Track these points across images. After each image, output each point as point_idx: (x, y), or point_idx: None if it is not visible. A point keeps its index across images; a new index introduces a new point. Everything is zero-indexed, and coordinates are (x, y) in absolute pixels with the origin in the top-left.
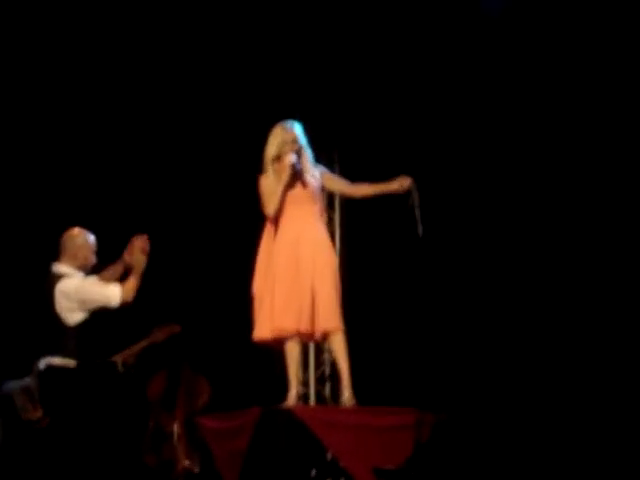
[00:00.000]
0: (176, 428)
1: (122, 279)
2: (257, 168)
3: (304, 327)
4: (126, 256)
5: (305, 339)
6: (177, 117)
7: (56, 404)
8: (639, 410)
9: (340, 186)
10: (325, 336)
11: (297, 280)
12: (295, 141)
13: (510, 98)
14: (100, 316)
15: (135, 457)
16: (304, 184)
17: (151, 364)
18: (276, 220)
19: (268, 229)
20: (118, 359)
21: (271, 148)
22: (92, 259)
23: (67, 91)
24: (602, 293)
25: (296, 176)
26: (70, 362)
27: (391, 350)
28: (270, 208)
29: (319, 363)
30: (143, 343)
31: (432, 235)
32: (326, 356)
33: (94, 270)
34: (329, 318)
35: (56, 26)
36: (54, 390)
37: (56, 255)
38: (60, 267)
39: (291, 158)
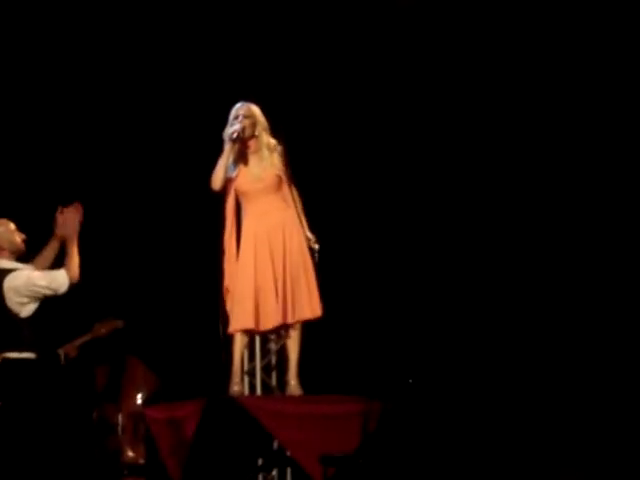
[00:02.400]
0: (121, 419)
1: (59, 258)
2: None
3: (272, 323)
4: (59, 227)
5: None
6: (129, 97)
7: (12, 396)
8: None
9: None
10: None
11: (265, 272)
12: (247, 115)
13: (506, 93)
14: (49, 306)
15: (81, 449)
16: (261, 170)
17: (96, 356)
18: (238, 211)
19: (229, 221)
20: (61, 352)
21: (228, 125)
22: (18, 241)
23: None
24: (592, 286)
25: (248, 155)
26: (28, 354)
27: (337, 338)
28: (214, 181)
29: (265, 352)
30: (85, 337)
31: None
32: (272, 345)
33: (28, 257)
34: (308, 306)
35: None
36: (12, 383)
37: None
38: (0, 262)
39: (234, 127)
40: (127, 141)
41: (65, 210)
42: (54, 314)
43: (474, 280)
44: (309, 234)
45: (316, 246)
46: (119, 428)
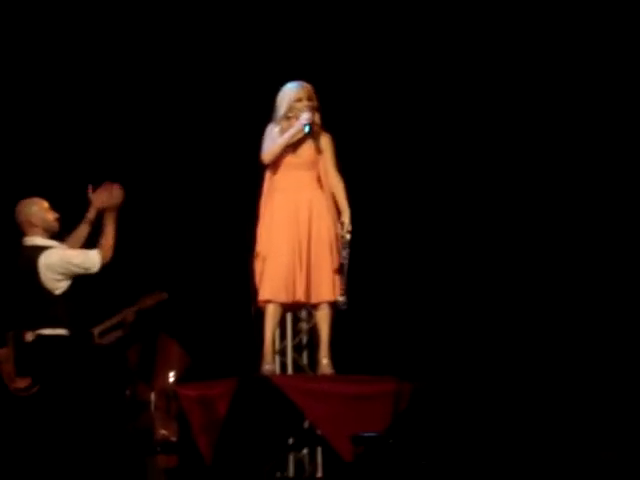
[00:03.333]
0: (153, 397)
1: (90, 240)
2: (242, 130)
3: (298, 296)
4: (97, 202)
5: (294, 308)
6: (164, 81)
7: (47, 373)
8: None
9: (324, 167)
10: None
11: (296, 247)
12: (310, 98)
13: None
14: (83, 284)
15: (114, 426)
16: (306, 146)
17: (128, 334)
18: (275, 183)
19: (268, 189)
20: (96, 330)
21: (283, 104)
22: (52, 217)
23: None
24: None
25: (306, 137)
26: (61, 331)
27: (369, 318)
28: (267, 154)
29: (296, 331)
30: (132, 309)
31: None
32: (303, 324)
33: (60, 235)
34: (329, 288)
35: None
36: (46, 360)
37: (19, 232)
38: (33, 239)
39: (305, 116)
40: (161, 114)
41: (105, 184)
42: (85, 292)
43: (503, 264)
44: (346, 221)
45: (347, 236)
46: (152, 406)
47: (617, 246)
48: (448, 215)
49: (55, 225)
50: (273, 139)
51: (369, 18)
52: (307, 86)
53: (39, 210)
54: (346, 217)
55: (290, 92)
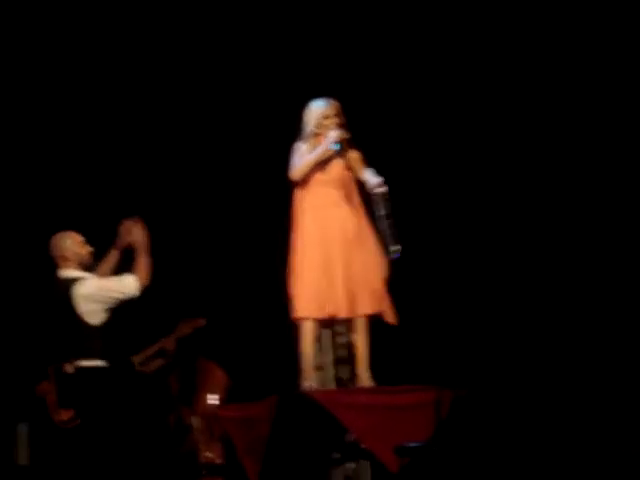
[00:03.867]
0: (196, 421)
1: (120, 269)
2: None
3: (333, 311)
4: (124, 236)
5: (331, 323)
6: (190, 103)
7: (89, 405)
8: None
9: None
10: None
11: (328, 263)
12: (338, 115)
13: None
14: (121, 315)
15: (160, 452)
16: (336, 163)
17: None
18: (306, 201)
19: (299, 207)
20: (136, 359)
21: (311, 121)
22: (86, 252)
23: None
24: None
25: (335, 154)
26: (99, 362)
27: (406, 329)
28: (296, 172)
29: (335, 346)
30: (172, 337)
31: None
32: (342, 339)
33: (91, 266)
34: (365, 302)
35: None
36: (87, 391)
37: (53, 265)
38: (68, 272)
39: (334, 134)
40: (192, 137)
41: (127, 221)
42: (123, 321)
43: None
44: (371, 179)
45: (380, 189)
46: (195, 429)
47: (618, 246)
48: (475, 225)
49: (89, 259)
50: (302, 156)
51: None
52: (334, 103)
53: (73, 244)
54: (370, 176)
55: (317, 109)
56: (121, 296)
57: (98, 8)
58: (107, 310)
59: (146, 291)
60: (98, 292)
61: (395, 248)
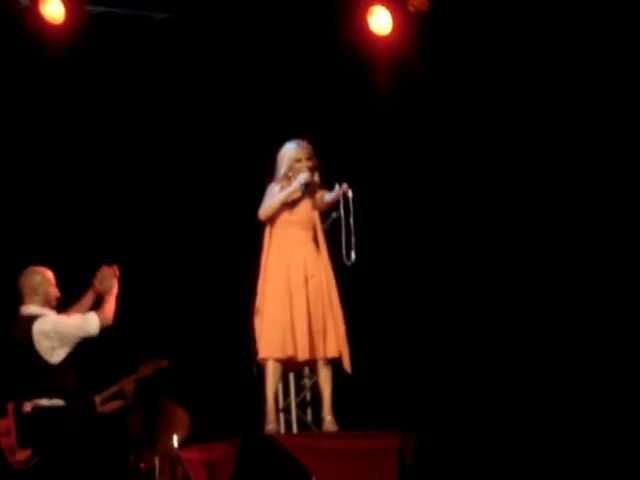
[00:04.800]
0: (157, 462)
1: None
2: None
3: (296, 353)
4: (96, 284)
5: (295, 367)
6: (170, 133)
7: (46, 445)
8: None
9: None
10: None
11: (291, 304)
12: (309, 158)
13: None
14: (83, 354)
15: None
16: (304, 204)
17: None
18: (273, 240)
19: (267, 247)
20: (97, 398)
21: (283, 163)
22: (54, 292)
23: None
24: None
25: (303, 195)
26: (58, 402)
27: (369, 371)
28: (263, 211)
29: (299, 389)
30: (132, 377)
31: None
32: (305, 381)
33: (63, 306)
34: (329, 345)
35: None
36: (44, 431)
37: (18, 298)
38: (29, 308)
39: (304, 175)
40: (155, 173)
41: (104, 268)
42: (84, 360)
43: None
44: (337, 186)
45: (350, 193)
46: (156, 471)
47: (617, 247)
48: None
49: (54, 301)
50: (272, 197)
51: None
52: (306, 146)
53: (43, 281)
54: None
55: (290, 152)
56: (80, 333)
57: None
58: (66, 348)
59: (110, 330)
60: (55, 329)
61: (353, 256)
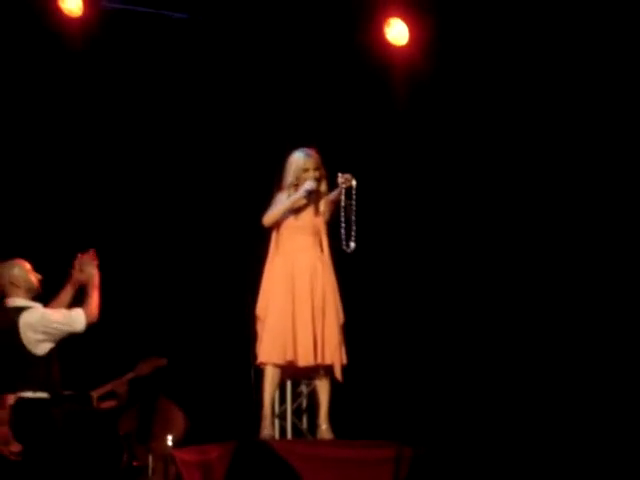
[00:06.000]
0: (151, 461)
1: (74, 303)
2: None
3: (296, 359)
4: (76, 274)
5: (295, 374)
6: (172, 135)
7: (30, 437)
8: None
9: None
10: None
11: (295, 310)
12: (317, 168)
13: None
14: (71, 346)
15: None
16: (309, 211)
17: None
18: (279, 246)
19: (272, 253)
20: (94, 394)
21: (291, 172)
22: (33, 280)
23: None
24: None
25: (309, 202)
26: (42, 394)
27: (368, 382)
28: (267, 217)
29: (296, 395)
30: (129, 376)
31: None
32: (303, 388)
33: (42, 299)
34: (330, 352)
35: None
36: (28, 423)
37: None
38: (15, 301)
39: (310, 183)
40: (160, 174)
41: (81, 256)
42: (80, 355)
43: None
44: (341, 175)
45: (353, 182)
46: (149, 470)
47: (617, 247)
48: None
49: (37, 287)
50: (278, 204)
51: None
52: (315, 155)
53: (21, 271)
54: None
55: (298, 161)
56: (66, 329)
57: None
58: (51, 341)
59: (111, 327)
60: (41, 321)
61: (353, 245)
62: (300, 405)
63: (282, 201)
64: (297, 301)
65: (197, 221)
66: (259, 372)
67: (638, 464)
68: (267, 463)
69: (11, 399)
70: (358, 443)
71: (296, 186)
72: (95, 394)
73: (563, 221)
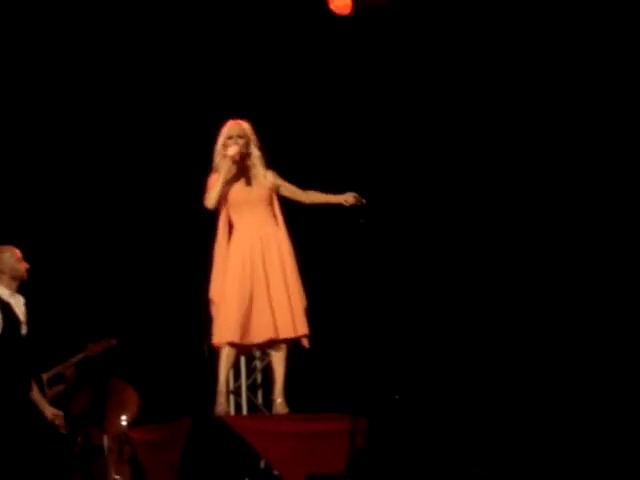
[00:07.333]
0: (106, 441)
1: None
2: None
3: (252, 337)
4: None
5: (249, 349)
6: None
7: None
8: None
9: (291, 191)
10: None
11: (250, 287)
12: (241, 135)
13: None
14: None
15: (66, 473)
16: (253, 183)
17: (78, 377)
18: (229, 222)
19: (221, 233)
20: (45, 375)
21: (218, 145)
22: (20, 268)
23: None
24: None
25: (240, 170)
26: None
27: (321, 355)
28: (208, 200)
29: (250, 371)
30: (79, 356)
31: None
32: (257, 363)
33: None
34: (291, 327)
35: None
36: None
37: None
38: None
39: (232, 149)
40: (115, 155)
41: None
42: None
43: (456, 296)
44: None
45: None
46: (105, 450)
47: (617, 247)
48: (407, 250)
49: (24, 275)
50: (213, 184)
51: None
52: (239, 123)
53: (9, 257)
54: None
55: (223, 132)
56: None
57: None
58: None
59: (61, 309)
60: None
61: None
62: (255, 380)
63: (215, 181)
64: (251, 279)
65: (149, 201)
66: (213, 350)
67: (637, 464)
68: (222, 439)
69: None
70: (313, 416)
71: (224, 156)
72: (45, 376)
73: (563, 221)
